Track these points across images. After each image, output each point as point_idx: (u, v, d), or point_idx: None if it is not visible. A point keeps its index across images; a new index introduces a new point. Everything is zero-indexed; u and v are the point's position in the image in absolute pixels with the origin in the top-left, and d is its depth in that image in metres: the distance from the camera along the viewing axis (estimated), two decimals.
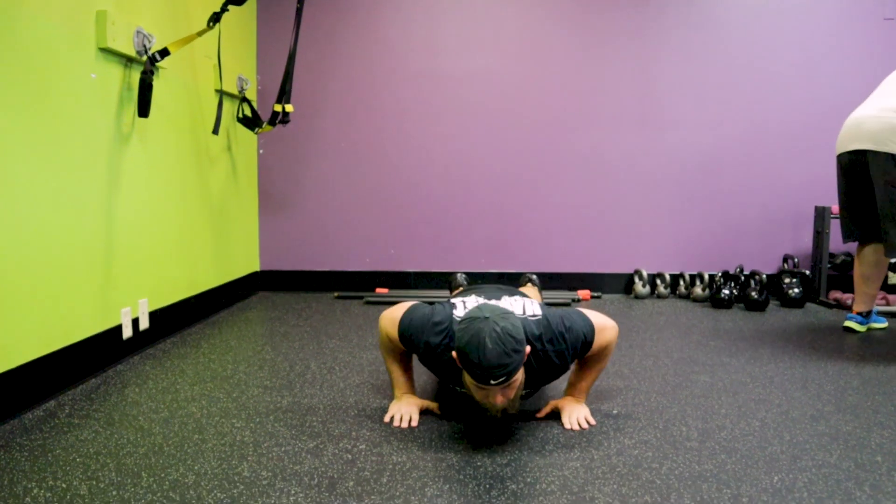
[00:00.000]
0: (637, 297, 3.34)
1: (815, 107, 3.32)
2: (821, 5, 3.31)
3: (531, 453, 1.39)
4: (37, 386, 1.65)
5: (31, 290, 1.64)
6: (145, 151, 2.20)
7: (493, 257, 3.42)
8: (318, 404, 1.68)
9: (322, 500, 1.18)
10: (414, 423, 1.55)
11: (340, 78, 3.35)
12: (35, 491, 1.20)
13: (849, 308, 2.90)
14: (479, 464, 1.34)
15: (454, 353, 1.37)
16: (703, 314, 2.96)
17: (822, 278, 3.20)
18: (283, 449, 1.40)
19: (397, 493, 1.20)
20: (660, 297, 3.35)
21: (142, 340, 2.17)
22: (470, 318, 1.35)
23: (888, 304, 3.02)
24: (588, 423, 1.56)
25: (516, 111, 3.38)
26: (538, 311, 1.52)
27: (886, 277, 3.20)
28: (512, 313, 1.38)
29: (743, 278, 3.19)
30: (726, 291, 3.10)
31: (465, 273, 3.07)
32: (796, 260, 3.29)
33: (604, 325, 1.54)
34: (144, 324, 2.18)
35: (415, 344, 1.52)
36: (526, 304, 1.54)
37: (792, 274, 3.17)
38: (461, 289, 2.05)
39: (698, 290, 3.24)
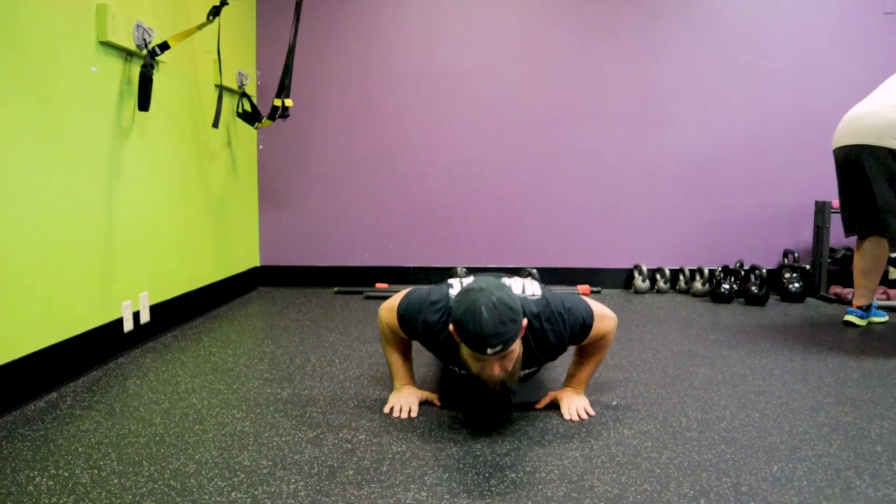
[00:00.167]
0: (637, 292, 3.35)
1: (815, 102, 3.32)
2: (820, 0, 3.31)
3: (531, 443, 1.40)
4: (39, 377, 1.66)
5: (32, 282, 1.64)
6: (145, 145, 2.20)
7: (492, 252, 3.42)
8: (317, 396, 1.69)
9: (322, 488, 1.18)
10: (413, 414, 1.55)
11: (340, 73, 3.35)
12: (37, 480, 1.20)
13: (849, 303, 2.90)
14: (478, 453, 1.34)
15: (451, 327, 1.37)
16: (703, 309, 2.96)
17: (822, 273, 3.20)
18: (283, 439, 1.40)
19: (397, 482, 1.21)
20: (659, 291, 3.35)
21: (142, 334, 2.18)
22: (466, 290, 1.35)
23: (888, 298, 3.02)
24: (587, 413, 1.56)
25: (516, 107, 3.37)
26: (538, 292, 1.53)
27: (887, 272, 3.20)
28: (509, 287, 1.39)
29: (743, 273, 3.19)
30: (726, 286, 3.10)
31: (465, 268, 3.08)
32: (796, 255, 3.29)
33: (603, 314, 1.54)
34: (145, 317, 2.19)
35: (413, 325, 1.52)
36: (525, 284, 1.54)
37: (792, 269, 3.17)
38: None
39: (698, 284, 3.24)
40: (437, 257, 3.43)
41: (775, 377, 1.89)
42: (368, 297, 3.16)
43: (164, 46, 2.10)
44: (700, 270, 3.29)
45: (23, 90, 1.61)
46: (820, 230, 3.21)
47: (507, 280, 1.57)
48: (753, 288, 3.04)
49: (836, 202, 3.01)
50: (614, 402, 1.66)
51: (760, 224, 3.41)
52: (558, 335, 1.48)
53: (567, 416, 1.55)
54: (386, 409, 1.58)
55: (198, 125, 2.63)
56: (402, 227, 3.43)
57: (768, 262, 3.40)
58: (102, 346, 1.94)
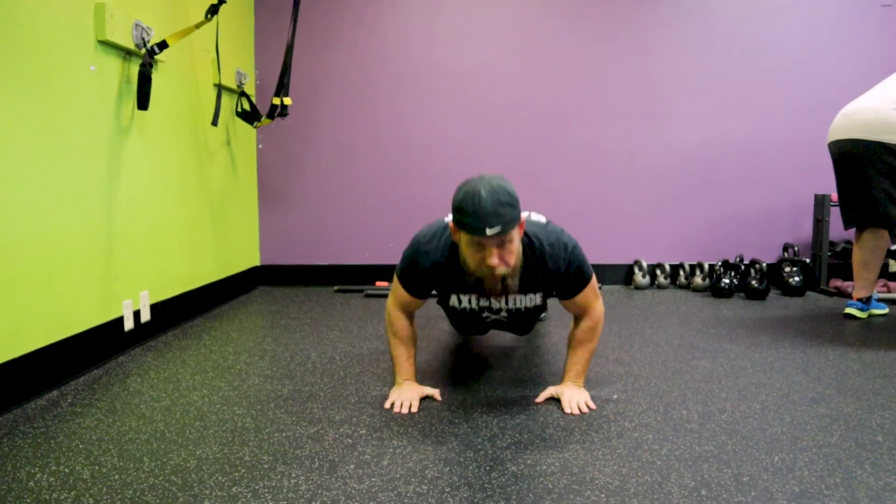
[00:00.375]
0: (637, 287, 3.35)
1: (813, 95, 3.31)
2: None
3: (531, 436, 1.40)
4: (39, 376, 1.66)
5: (33, 281, 1.64)
6: (145, 144, 2.21)
7: None
8: (318, 392, 1.69)
9: (323, 482, 1.18)
10: (414, 409, 1.55)
11: (339, 71, 3.35)
12: (38, 476, 1.20)
13: (849, 296, 2.90)
14: (479, 447, 1.34)
15: (451, 224, 1.39)
16: (704, 303, 2.96)
17: (822, 266, 3.20)
18: (283, 434, 1.40)
19: (398, 476, 1.21)
20: (660, 287, 3.35)
21: (143, 332, 2.18)
22: (465, 181, 1.38)
23: (889, 290, 3.02)
24: (588, 407, 1.56)
25: (515, 104, 3.37)
26: (544, 220, 1.55)
27: (887, 265, 3.20)
28: (506, 180, 1.40)
29: (743, 267, 3.19)
30: (726, 281, 3.10)
31: None
32: (796, 248, 3.29)
33: (597, 291, 1.57)
34: (146, 316, 2.19)
35: (416, 269, 1.52)
36: (532, 213, 1.55)
37: (792, 262, 3.17)
38: None
39: (698, 279, 3.24)
40: None
41: (776, 369, 1.89)
42: (368, 296, 3.16)
43: (163, 45, 2.10)
44: (700, 265, 3.28)
45: (22, 89, 1.61)
46: (820, 223, 3.21)
47: None
48: (754, 282, 3.04)
49: (835, 195, 3.01)
50: (615, 396, 1.66)
51: (760, 218, 3.41)
52: (556, 263, 1.49)
53: (568, 410, 1.54)
54: (387, 405, 1.58)
55: (197, 124, 2.64)
56: (402, 225, 3.42)
57: (768, 257, 3.40)
58: (103, 344, 1.94)
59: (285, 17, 2.94)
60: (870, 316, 2.60)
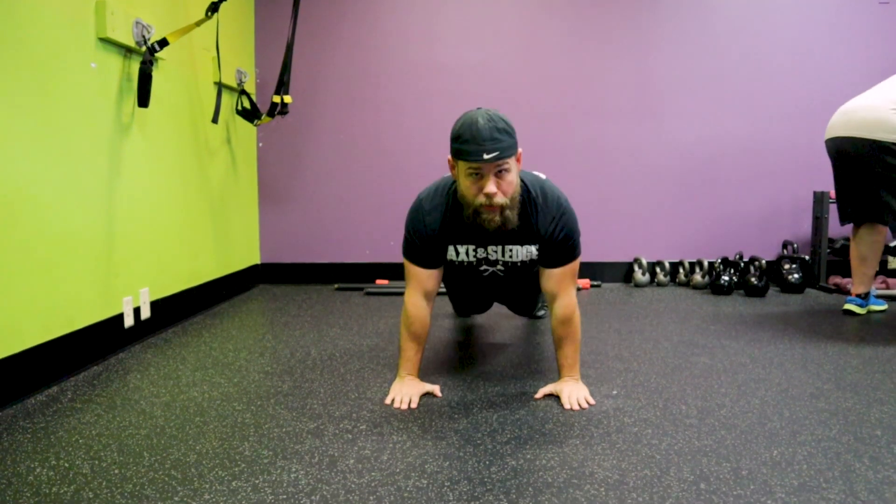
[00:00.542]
0: (637, 285, 3.35)
1: (812, 92, 3.32)
2: None
3: (531, 431, 1.40)
4: (39, 371, 1.66)
5: (33, 277, 1.65)
6: (145, 142, 2.21)
7: None
8: (318, 388, 1.69)
9: (323, 476, 1.19)
10: (414, 405, 1.56)
11: (339, 70, 3.35)
12: (38, 470, 1.21)
13: (849, 293, 2.90)
14: (479, 442, 1.34)
15: (449, 158, 1.42)
16: (703, 300, 2.96)
17: (821, 263, 3.21)
18: (283, 430, 1.40)
19: (398, 470, 1.21)
20: (659, 284, 3.36)
21: (143, 329, 2.18)
22: (462, 115, 1.41)
23: (888, 287, 3.02)
24: (588, 403, 1.57)
25: (515, 103, 3.37)
26: (544, 177, 1.57)
27: (886, 262, 3.20)
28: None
29: (742, 265, 3.19)
30: (726, 278, 3.11)
31: None
32: (795, 245, 3.29)
33: (575, 280, 1.59)
34: (146, 313, 2.19)
35: (423, 229, 1.55)
36: (534, 171, 1.57)
37: (791, 259, 3.18)
38: None
39: (698, 277, 3.24)
40: None
41: (775, 365, 1.89)
42: (369, 294, 3.16)
43: (163, 43, 2.10)
44: (700, 263, 3.29)
45: (23, 86, 1.61)
46: (819, 221, 3.21)
47: None
48: (753, 279, 3.04)
49: (833, 192, 3.02)
50: (614, 392, 1.66)
51: (759, 215, 3.41)
52: (546, 219, 1.50)
53: (567, 406, 1.55)
54: (387, 400, 1.58)
55: (197, 122, 2.64)
56: (402, 223, 3.41)
57: (768, 254, 3.40)
58: (103, 341, 1.95)
59: (285, 16, 2.94)
60: (868, 312, 2.61)
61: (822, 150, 2.76)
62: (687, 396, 1.62)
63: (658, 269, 3.36)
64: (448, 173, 1.58)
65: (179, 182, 2.49)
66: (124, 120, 2.07)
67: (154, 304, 2.25)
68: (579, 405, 1.55)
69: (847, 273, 3.24)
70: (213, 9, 2.33)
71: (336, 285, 3.34)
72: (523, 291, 1.85)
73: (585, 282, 3.33)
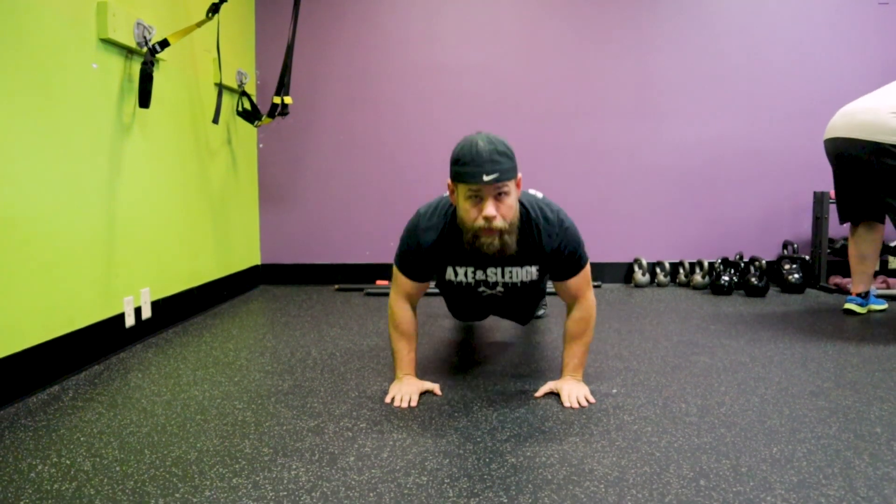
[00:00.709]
0: (637, 285, 3.35)
1: (811, 92, 3.32)
2: None
3: (531, 429, 1.40)
4: (40, 371, 1.67)
5: (34, 276, 1.65)
6: (146, 142, 2.22)
7: None
8: (318, 387, 1.69)
9: (323, 473, 1.19)
10: (413, 404, 1.56)
11: (339, 70, 3.37)
12: (39, 467, 1.21)
13: (849, 292, 2.91)
14: (478, 440, 1.35)
15: (449, 182, 1.41)
16: (703, 301, 2.96)
17: (821, 263, 3.21)
18: (284, 428, 1.41)
19: (398, 467, 1.21)
20: (659, 285, 3.36)
21: (144, 329, 2.19)
22: (462, 139, 1.41)
23: (888, 287, 3.02)
24: (588, 401, 1.57)
25: (514, 103, 3.38)
26: (541, 195, 1.56)
27: (887, 262, 3.20)
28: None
29: (743, 265, 3.20)
30: (726, 278, 3.11)
31: None
32: (796, 246, 3.30)
33: (590, 281, 1.58)
34: (147, 313, 2.20)
35: (418, 246, 1.53)
36: (531, 190, 1.57)
37: (792, 260, 3.18)
38: None
39: (698, 277, 3.24)
40: None
41: (775, 364, 1.89)
42: (369, 294, 3.16)
43: (164, 44, 2.11)
44: (700, 263, 3.29)
45: (25, 86, 1.62)
46: (819, 221, 3.22)
47: None
48: (753, 279, 3.04)
49: (833, 192, 3.02)
50: (614, 390, 1.66)
51: (759, 216, 3.42)
52: (550, 238, 1.49)
53: (567, 404, 1.55)
54: (387, 399, 1.59)
55: (198, 123, 2.65)
56: (402, 224, 3.39)
57: (768, 254, 3.41)
58: (104, 340, 1.95)
59: (286, 17, 2.95)
60: (869, 311, 2.61)
61: (822, 151, 2.77)
62: (687, 395, 1.63)
63: (658, 270, 3.36)
64: (446, 193, 1.58)
65: (180, 182, 2.50)
66: (125, 120, 2.08)
67: (155, 304, 2.26)
68: (579, 403, 1.55)
69: (847, 273, 3.24)
70: (214, 10, 2.34)
71: (336, 286, 3.35)
72: (522, 306, 1.87)
73: None
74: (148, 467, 1.21)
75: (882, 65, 3.25)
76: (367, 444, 1.32)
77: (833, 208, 3.12)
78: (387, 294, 3.14)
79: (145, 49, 2.07)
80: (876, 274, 3.12)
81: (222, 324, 2.48)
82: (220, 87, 2.73)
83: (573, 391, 1.58)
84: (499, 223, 1.37)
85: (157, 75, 2.18)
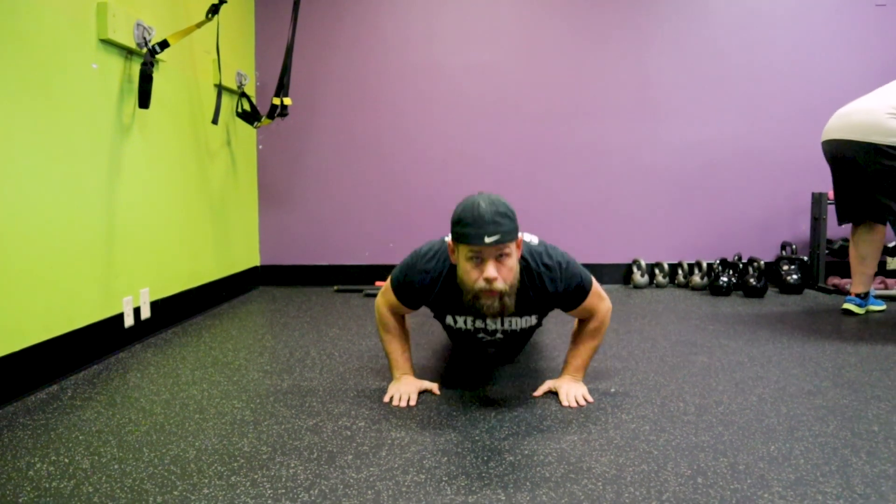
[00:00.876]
0: (636, 286, 3.35)
1: (810, 94, 3.33)
2: None
3: (529, 428, 1.40)
4: (39, 370, 1.67)
5: (33, 275, 1.65)
6: (146, 143, 2.22)
7: None
8: (317, 387, 1.70)
9: (321, 471, 1.19)
10: (412, 403, 1.56)
11: (339, 72, 3.37)
12: (38, 465, 1.21)
13: (847, 293, 2.91)
14: (477, 438, 1.35)
15: (449, 242, 1.41)
16: (702, 301, 2.96)
17: (820, 264, 3.21)
18: (282, 427, 1.41)
19: (396, 466, 1.22)
20: (658, 286, 3.36)
21: (143, 329, 2.19)
22: (463, 199, 1.40)
23: (886, 287, 3.03)
24: (586, 400, 1.57)
25: (514, 104, 3.39)
26: (536, 241, 1.55)
27: (885, 263, 3.21)
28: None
29: (741, 266, 3.20)
30: (724, 279, 3.11)
31: None
32: (794, 247, 3.30)
33: (601, 294, 1.57)
34: (146, 313, 2.20)
35: (410, 284, 1.53)
36: (524, 234, 1.56)
37: (790, 260, 3.18)
38: None
39: (697, 278, 3.25)
40: None
41: (773, 364, 1.90)
42: (368, 295, 3.16)
43: (164, 44, 2.12)
44: (698, 264, 3.29)
45: (25, 86, 1.63)
46: (817, 222, 3.22)
47: None
48: (752, 280, 3.05)
49: (832, 194, 3.03)
50: (612, 389, 1.67)
51: (758, 217, 3.42)
52: (554, 285, 1.49)
53: (565, 403, 1.55)
54: (385, 399, 1.59)
55: (197, 124, 2.65)
56: (401, 225, 3.44)
57: (766, 255, 3.41)
58: (103, 340, 1.95)
59: (285, 18, 2.96)
60: (867, 312, 2.61)
61: (820, 151, 2.78)
62: (685, 394, 1.63)
63: (657, 271, 3.36)
64: (446, 237, 1.57)
65: (180, 183, 2.50)
66: (125, 121, 2.08)
67: (154, 305, 2.26)
68: (577, 402, 1.55)
69: (846, 274, 3.25)
70: (214, 11, 2.35)
71: (335, 287, 3.35)
72: (518, 347, 1.89)
73: None
74: (146, 465, 1.21)
75: (880, 66, 3.26)
76: (365, 443, 1.32)
77: (832, 209, 3.13)
78: None
79: (145, 50, 2.08)
80: (875, 274, 3.12)
81: (221, 324, 2.48)
82: (220, 89, 2.73)
83: (571, 390, 1.59)
84: (499, 285, 1.36)
85: (157, 76, 2.19)
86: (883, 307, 2.65)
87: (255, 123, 2.93)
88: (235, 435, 1.36)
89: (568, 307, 1.56)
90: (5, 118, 1.57)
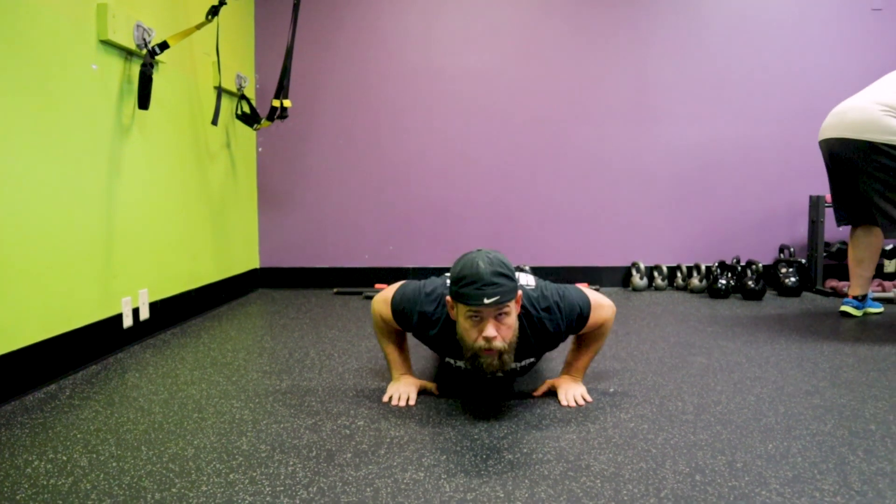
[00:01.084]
0: (635, 289, 3.36)
1: (807, 97, 3.35)
2: None
3: (528, 427, 1.40)
4: (38, 369, 1.67)
5: (32, 276, 1.66)
6: (146, 144, 2.23)
7: None
8: (316, 386, 1.70)
9: (320, 469, 1.19)
10: (412, 402, 1.56)
11: (338, 75, 3.39)
12: (36, 463, 1.21)
13: (845, 296, 2.91)
14: (476, 437, 1.35)
15: (448, 299, 1.40)
16: (701, 304, 2.97)
17: (818, 267, 3.22)
18: (281, 426, 1.41)
19: (395, 464, 1.22)
20: (657, 289, 3.37)
21: (142, 330, 2.19)
22: (462, 255, 1.41)
23: (883, 290, 3.03)
24: (585, 400, 1.57)
25: (513, 107, 3.41)
26: (532, 283, 1.55)
27: (882, 265, 3.22)
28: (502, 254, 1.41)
29: (740, 268, 3.21)
30: (723, 282, 3.12)
31: None
32: (792, 249, 3.31)
33: (600, 303, 1.56)
34: (145, 314, 2.20)
35: (409, 317, 1.53)
36: (520, 276, 1.55)
37: (788, 263, 3.19)
38: None
39: (695, 281, 3.25)
40: (436, 258, 3.44)
41: (771, 364, 1.90)
42: (367, 298, 3.17)
43: (164, 46, 2.13)
44: (697, 267, 3.30)
45: (25, 87, 1.63)
46: (815, 224, 3.23)
47: None
48: (750, 283, 3.05)
49: (829, 196, 3.04)
50: (611, 389, 1.67)
51: (756, 220, 3.43)
52: (555, 324, 1.50)
53: (564, 403, 1.55)
54: (385, 399, 1.59)
55: (197, 126, 2.66)
56: (401, 228, 3.45)
57: (764, 258, 3.42)
58: (102, 340, 1.95)
59: (285, 20, 2.97)
60: (865, 314, 2.62)
61: (817, 154, 2.79)
62: (683, 394, 1.63)
63: (656, 274, 3.37)
64: (445, 279, 1.56)
65: (179, 184, 2.51)
66: (124, 122, 2.09)
67: (153, 306, 2.26)
68: (576, 402, 1.55)
69: (843, 276, 3.26)
70: (214, 12, 2.36)
71: (335, 289, 3.35)
72: (516, 379, 1.89)
73: (584, 286, 3.33)
74: (144, 463, 1.21)
75: (877, 69, 3.26)
76: (364, 442, 1.32)
77: (829, 212, 3.14)
78: None
79: (145, 51, 2.09)
80: (872, 277, 3.13)
81: (220, 326, 2.48)
82: (220, 90, 2.74)
83: (570, 390, 1.59)
84: (498, 344, 1.36)
85: (157, 77, 2.19)
86: (880, 309, 2.66)
87: (255, 125, 2.94)
88: (234, 434, 1.36)
89: (576, 331, 1.56)
90: (5, 118, 1.57)
